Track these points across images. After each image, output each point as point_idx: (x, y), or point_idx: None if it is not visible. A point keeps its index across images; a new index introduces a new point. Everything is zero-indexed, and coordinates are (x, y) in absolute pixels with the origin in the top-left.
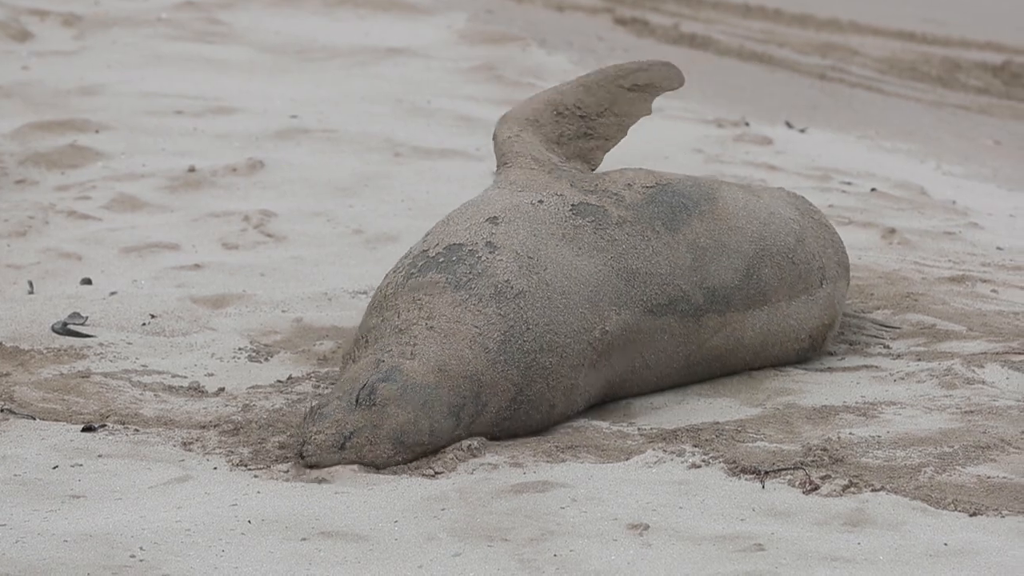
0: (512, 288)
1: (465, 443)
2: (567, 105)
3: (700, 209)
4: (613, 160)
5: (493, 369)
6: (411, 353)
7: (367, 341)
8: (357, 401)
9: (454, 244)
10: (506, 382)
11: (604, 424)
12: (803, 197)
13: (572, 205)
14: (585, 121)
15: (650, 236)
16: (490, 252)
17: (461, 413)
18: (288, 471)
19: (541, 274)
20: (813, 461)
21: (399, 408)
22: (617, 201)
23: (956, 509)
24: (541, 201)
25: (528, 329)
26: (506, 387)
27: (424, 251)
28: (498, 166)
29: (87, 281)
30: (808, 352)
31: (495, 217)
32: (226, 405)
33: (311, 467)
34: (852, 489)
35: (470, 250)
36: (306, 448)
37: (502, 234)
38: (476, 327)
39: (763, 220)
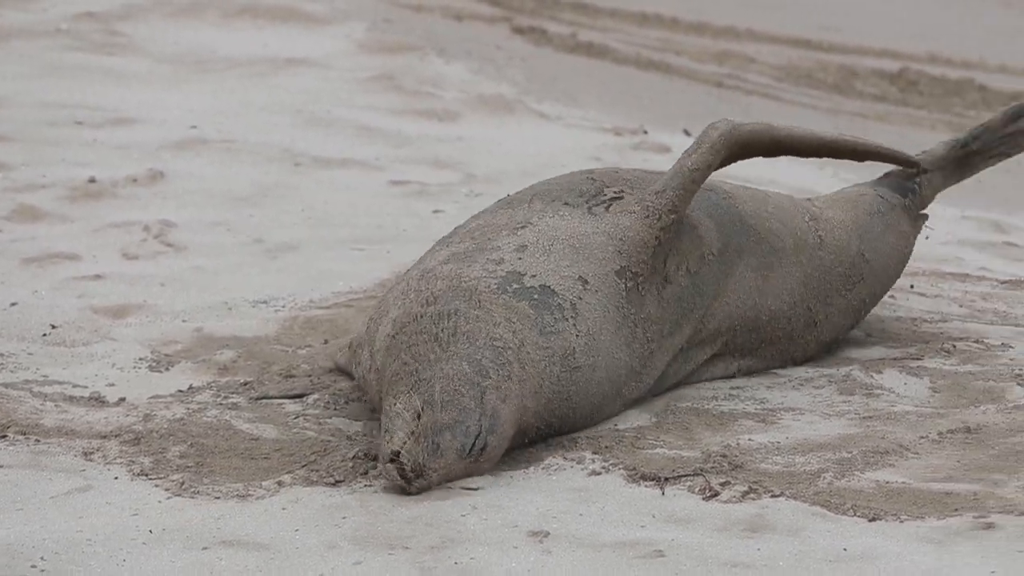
0: (575, 360)
1: (365, 451)
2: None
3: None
4: (503, 165)
5: (536, 420)
6: (504, 395)
7: (449, 324)
8: (469, 452)
9: (548, 287)
10: (537, 429)
11: None
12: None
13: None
14: None
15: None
16: (573, 314)
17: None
18: (186, 480)
19: (594, 359)
20: (713, 467)
21: (493, 456)
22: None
23: (855, 514)
24: (630, 280)
25: (570, 407)
26: (535, 433)
27: (520, 274)
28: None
29: None
30: None
31: (585, 280)
32: (127, 415)
33: (413, 490)
34: (752, 495)
35: (558, 304)
36: (420, 479)
37: (585, 305)
38: (541, 381)
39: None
